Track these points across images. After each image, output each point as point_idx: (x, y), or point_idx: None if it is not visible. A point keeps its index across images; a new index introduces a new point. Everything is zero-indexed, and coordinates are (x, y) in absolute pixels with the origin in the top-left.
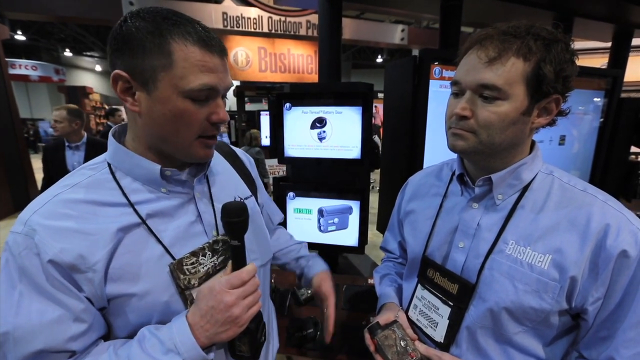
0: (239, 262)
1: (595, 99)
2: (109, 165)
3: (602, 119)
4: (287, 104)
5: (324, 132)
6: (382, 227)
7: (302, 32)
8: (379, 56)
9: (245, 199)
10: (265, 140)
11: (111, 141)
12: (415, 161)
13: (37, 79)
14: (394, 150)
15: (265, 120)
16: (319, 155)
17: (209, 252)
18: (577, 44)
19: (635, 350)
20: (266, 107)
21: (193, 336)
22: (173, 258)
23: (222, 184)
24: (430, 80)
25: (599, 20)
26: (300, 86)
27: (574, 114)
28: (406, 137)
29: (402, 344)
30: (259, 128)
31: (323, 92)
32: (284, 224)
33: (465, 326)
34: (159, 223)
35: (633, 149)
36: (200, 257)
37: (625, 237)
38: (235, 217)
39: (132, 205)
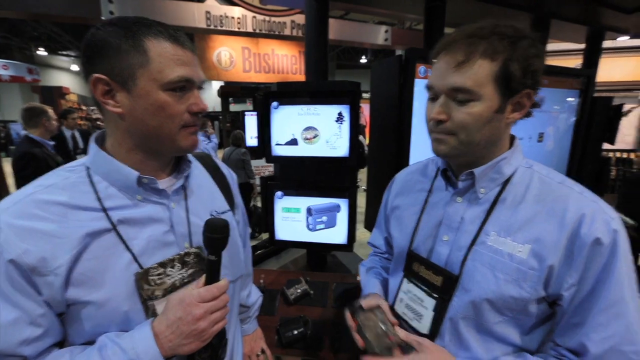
0: (213, 276)
1: (570, 98)
2: (88, 169)
3: (576, 117)
4: (275, 103)
5: (312, 130)
6: (369, 226)
7: (287, 32)
8: (363, 57)
9: (222, 213)
10: (251, 141)
11: (92, 146)
12: (401, 159)
13: (9, 78)
14: (380, 149)
15: (250, 121)
16: (307, 153)
17: (179, 264)
18: (554, 46)
19: (605, 333)
20: (251, 108)
21: (157, 345)
22: (141, 267)
23: (200, 196)
24: (416, 80)
25: (573, 22)
26: (287, 85)
27: (551, 112)
28: (392, 135)
29: (383, 327)
30: (243, 129)
31: (311, 90)
32: (271, 223)
33: (449, 317)
34: (130, 230)
35: (605, 145)
36: (169, 269)
37: (599, 226)
38: (217, 233)
39: (104, 210)
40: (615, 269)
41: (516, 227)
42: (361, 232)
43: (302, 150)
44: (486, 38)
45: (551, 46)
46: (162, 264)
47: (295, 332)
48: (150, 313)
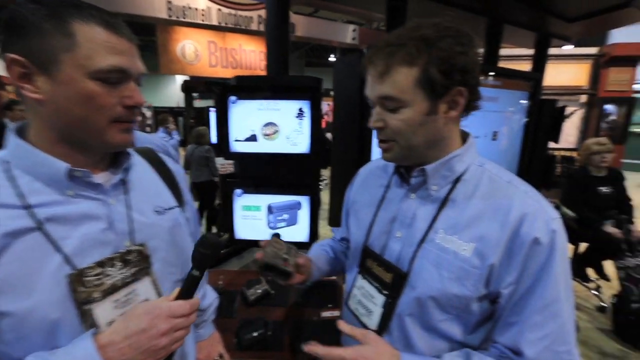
0: (189, 292)
1: (521, 100)
2: (7, 163)
3: (526, 118)
4: (233, 97)
5: (272, 126)
6: (333, 222)
7: (254, 26)
8: (332, 55)
9: (169, 209)
10: (216, 138)
11: (11, 137)
12: (363, 155)
13: None
14: (343, 145)
15: (215, 117)
16: (267, 150)
17: (120, 263)
18: (509, 51)
19: (541, 333)
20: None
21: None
22: (74, 269)
23: (143, 191)
24: None
25: (523, 28)
26: (246, 79)
27: (505, 112)
28: (354, 132)
29: (285, 255)
30: (208, 125)
31: (270, 85)
32: (231, 222)
33: (397, 314)
34: (60, 229)
35: (551, 144)
36: (108, 268)
37: (539, 225)
38: (207, 249)
39: (27, 207)
40: (552, 268)
41: (463, 225)
42: (328, 230)
43: (262, 146)
44: (404, 45)
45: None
46: (100, 263)
47: (255, 334)
48: (88, 318)
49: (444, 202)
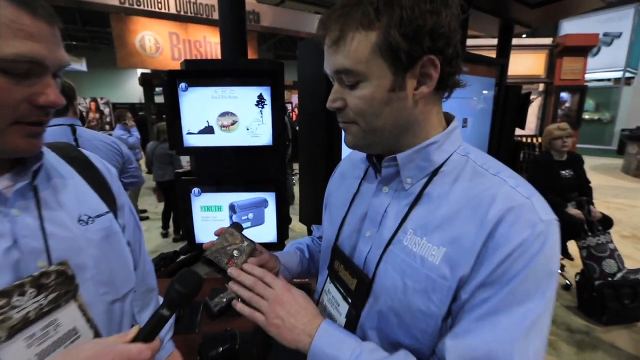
0: (152, 334)
1: (489, 87)
2: None
3: (494, 104)
4: (183, 84)
5: (230, 116)
6: (305, 219)
7: (216, 15)
8: None
9: (98, 216)
10: None
11: None
12: (332, 146)
13: None
14: (310, 136)
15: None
16: (225, 143)
17: (32, 289)
18: (474, 41)
19: (467, 341)
20: None
21: None
22: None
23: (61, 197)
24: None
25: (488, 13)
26: (197, 63)
27: (472, 99)
28: (322, 120)
29: (235, 252)
30: None
31: (225, 69)
32: (190, 226)
33: (359, 326)
34: None
35: (518, 131)
36: (15, 298)
37: (521, 228)
38: (188, 289)
39: None
40: (526, 278)
41: (434, 225)
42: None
43: (219, 139)
44: (359, 4)
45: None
46: (5, 293)
47: (221, 349)
48: None
49: (417, 198)
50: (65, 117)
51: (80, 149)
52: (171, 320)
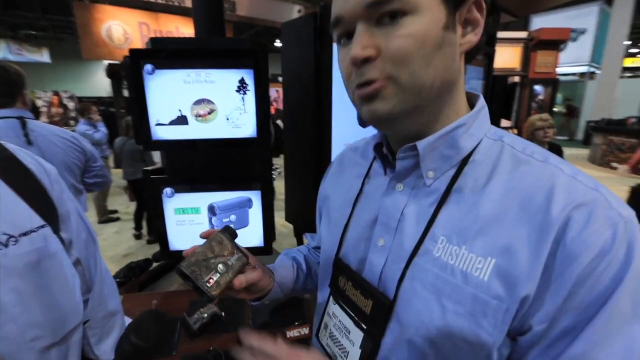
0: None
1: (477, 76)
2: None
3: (482, 93)
4: (148, 66)
5: (206, 104)
6: (291, 217)
7: (188, 3)
8: (278, 40)
9: (27, 233)
10: None
11: None
12: (322, 138)
13: None
14: (297, 126)
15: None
16: (202, 135)
17: None
18: None
19: None
20: None
21: None
22: None
23: None
24: (334, 44)
25: None
26: (165, 41)
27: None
28: (310, 111)
29: (221, 265)
30: None
31: (199, 49)
32: (163, 231)
33: (381, 359)
34: None
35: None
36: None
37: (599, 228)
38: (146, 341)
39: None
40: (622, 295)
41: (475, 229)
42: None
43: (195, 130)
44: None
45: None
46: None
47: None
48: None
49: (445, 195)
50: (12, 109)
51: (4, 144)
52: None
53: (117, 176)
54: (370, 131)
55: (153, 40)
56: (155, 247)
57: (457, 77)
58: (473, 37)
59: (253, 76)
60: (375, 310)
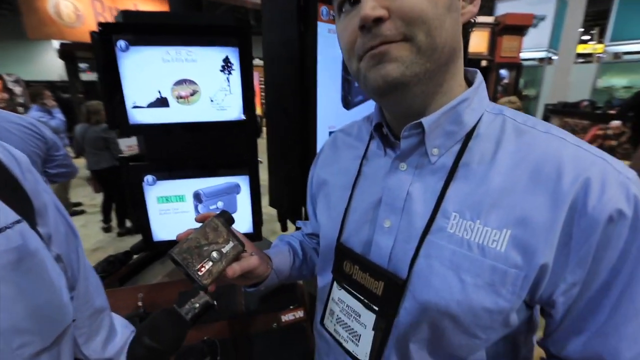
0: None
1: None
2: None
3: None
4: (122, 42)
5: (188, 84)
6: (275, 202)
7: None
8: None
9: (2, 230)
10: None
11: None
12: (307, 121)
13: None
14: (281, 108)
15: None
16: (185, 118)
17: None
18: None
19: (636, 349)
20: None
21: None
22: None
23: None
24: (319, 23)
25: None
26: (139, 15)
27: None
28: (294, 92)
29: (214, 255)
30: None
31: (179, 24)
32: (145, 221)
33: (395, 338)
34: None
35: None
36: None
37: (615, 193)
38: (160, 343)
39: None
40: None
41: (488, 203)
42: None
43: (177, 113)
44: None
45: None
46: None
47: None
48: None
49: (452, 172)
50: None
51: None
52: (128, 338)
53: (78, 166)
54: (355, 114)
55: (125, 13)
56: (127, 240)
57: (460, 45)
58: (473, 8)
59: (239, 55)
60: (388, 291)
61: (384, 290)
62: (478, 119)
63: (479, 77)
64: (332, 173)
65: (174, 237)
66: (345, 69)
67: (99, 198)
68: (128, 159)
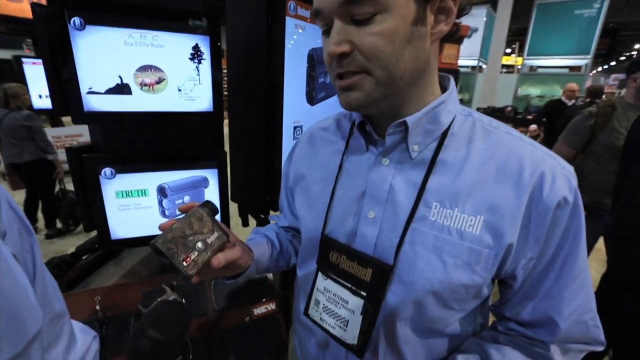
0: None
1: None
2: None
3: None
4: (77, 20)
5: (154, 71)
6: (237, 196)
7: None
8: None
9: None
10: (41, 102)
11: None
12: (273, 114)
13: None
14: (245, 100)
15: (32, 72)
16: (150, 107)
17: None
18: None
19: (573, 307)
20: (30, 54)
21: None
22: None
23: None
24: (287, 18)
25: None
26: None
27: None
28: (262, 85)
29: (199, 245)
30: (24, 82)
31: (143, 5)
32: (102, 218)
33: (382, 321)
34: None
35: None
36: None
37: (561, 184)
38: (167, 335)
39: None
40: (580, 233)
41: (464, 194)
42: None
43: (140, 102)
44: None
45: None
46: None
47: None
48: None
49: (431, 166)
50: None
51: None
52: (92, 351)
53: None
54: (318, 109)
55: None
56: (58, 242)
57: (427, 65)
58: (444, 27)
59: (209, 43)
60: (376, 277)
61: (372, 276)
62: (452, 120)
63: (452, 83)
64: (311, 167)
65: (134, 235)
66: (310, 65)
67: (19, 196)
68: (80, 150)
